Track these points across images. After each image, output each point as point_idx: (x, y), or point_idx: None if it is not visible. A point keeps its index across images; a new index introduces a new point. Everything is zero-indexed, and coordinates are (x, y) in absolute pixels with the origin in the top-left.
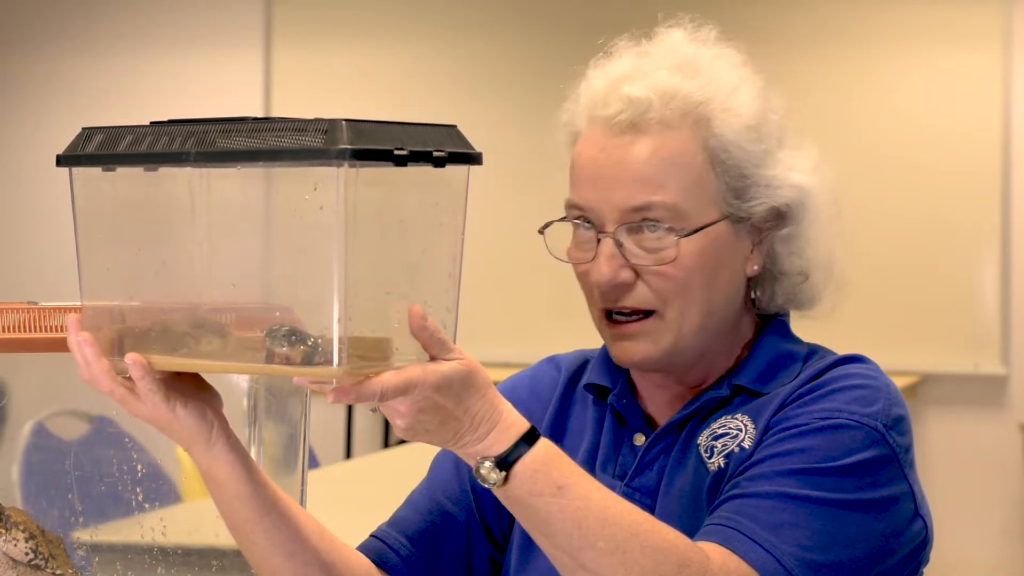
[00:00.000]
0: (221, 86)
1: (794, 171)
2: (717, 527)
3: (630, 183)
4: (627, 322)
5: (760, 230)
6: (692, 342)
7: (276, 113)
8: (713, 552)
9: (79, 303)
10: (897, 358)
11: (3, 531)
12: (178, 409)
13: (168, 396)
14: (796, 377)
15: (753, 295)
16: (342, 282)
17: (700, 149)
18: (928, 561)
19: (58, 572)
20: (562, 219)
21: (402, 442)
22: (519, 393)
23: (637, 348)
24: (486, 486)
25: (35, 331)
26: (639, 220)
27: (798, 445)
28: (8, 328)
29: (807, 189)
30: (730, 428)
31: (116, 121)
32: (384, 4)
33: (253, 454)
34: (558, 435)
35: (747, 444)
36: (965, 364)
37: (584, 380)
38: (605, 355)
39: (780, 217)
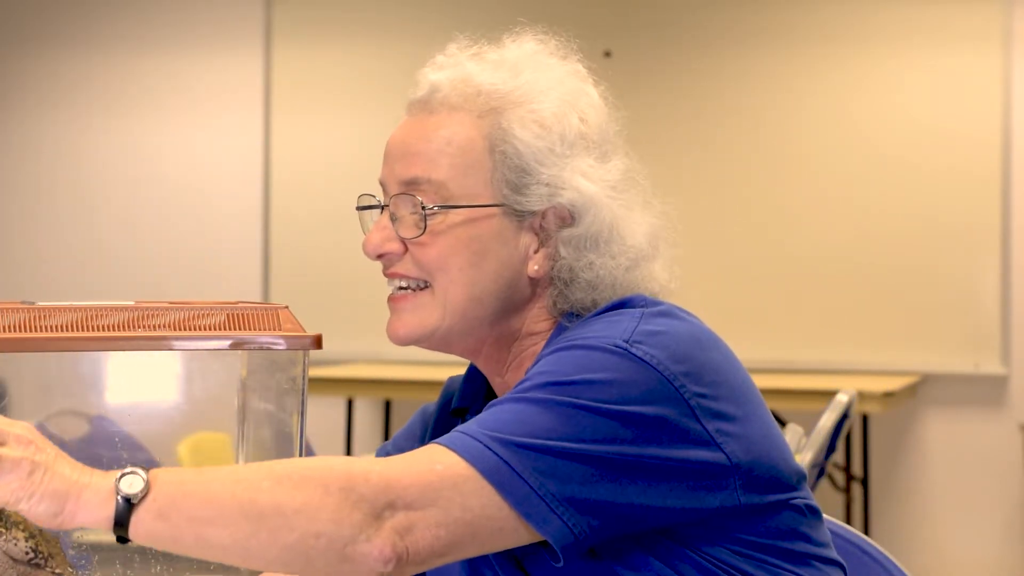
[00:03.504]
0: (221, 86)
1: (581, 176)
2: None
3: (407, 157)
4: (401, 296)
5: (547, 231)
6: (459, 324)
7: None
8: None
9: (77, 303)
10: (897, 358)
11: (3, 530)
12: None
13: None
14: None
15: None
16: None
17: (481, 135)
18: (779, 493)
19: (57, 571)
20: (366, 207)
21: None
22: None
23: (403, 322)
24: (128, 499)
25: (33, 331)
26: (411, 193)
27: (534, 371)
28: (7, 328)
29: (592, 197)
30: None
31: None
32: (384, 4)
33: (242, 456)
34: None
35: None
36: (965, 364)
37: (452, 407)
38: (465, 376)
39: (563, 220)
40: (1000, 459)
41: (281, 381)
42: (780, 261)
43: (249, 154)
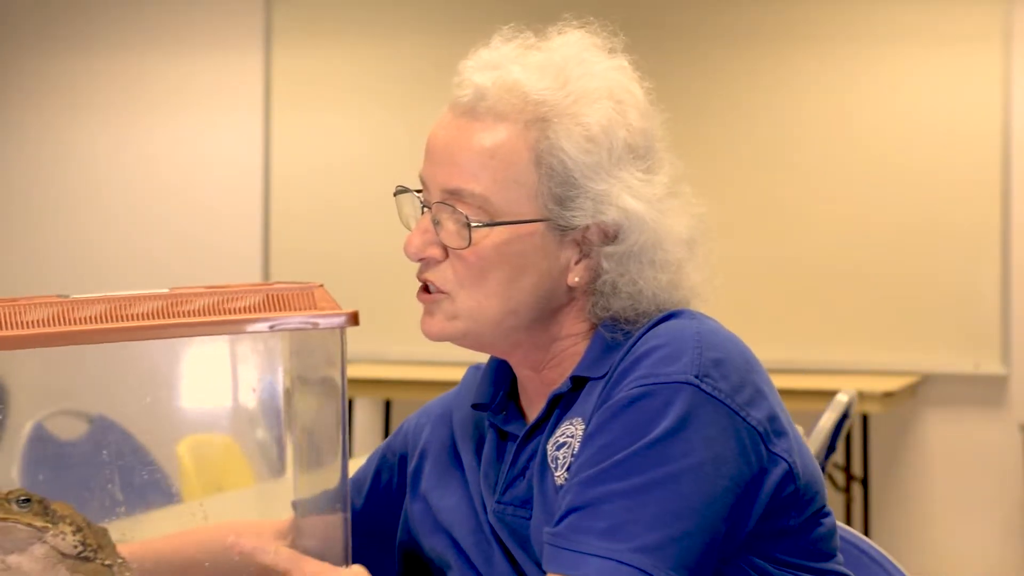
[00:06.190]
0: (221, 86)
1: (627, 194)
2: (554, 549)
3: (450, 165)
4: (427, 295)
5: (589, 243)
6: (492, 330)
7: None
8: None
9: (81, 297)
10: (897, 358)
11: (50, 525)
12: None
13: None
14: (627, 353)
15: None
16: None
17: (527, 147)
18: (818, 504)
19: (107, 562)
20: (403, 191)
21: None
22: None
23: (435, 322)
24: None
25: (70, 324)
26: (452, 203)
27: (612, 433)
28: (40, 323)
29: (637, 214)
30: (567, 437)
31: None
32: (384, 4)
33: (289, 455)
34: (455, 458)
35: (577, 448)
36: (965, 364)
37: (473, 400)
38: (486, 368)
39: (606, 236)
40: (1000, 459)
41: (319, 361)
42: (779, 261)
43: (249, 153)
